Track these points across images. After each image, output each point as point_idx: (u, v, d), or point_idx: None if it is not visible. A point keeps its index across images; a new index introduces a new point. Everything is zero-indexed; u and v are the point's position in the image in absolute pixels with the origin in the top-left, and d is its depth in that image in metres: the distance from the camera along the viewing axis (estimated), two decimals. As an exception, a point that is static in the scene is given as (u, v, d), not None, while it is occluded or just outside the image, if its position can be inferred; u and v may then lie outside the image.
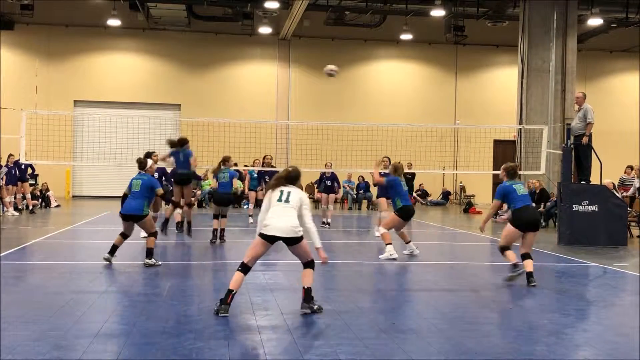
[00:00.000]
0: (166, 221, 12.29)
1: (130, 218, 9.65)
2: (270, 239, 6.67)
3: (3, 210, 18.47)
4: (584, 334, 6.39)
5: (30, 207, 19.90)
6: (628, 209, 15.13)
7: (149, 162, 10.24)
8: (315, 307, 6.69)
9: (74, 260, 10.58)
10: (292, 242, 6.68)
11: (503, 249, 8.91)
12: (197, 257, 11.11)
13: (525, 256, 8.75)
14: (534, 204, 9.50)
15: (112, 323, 6.29)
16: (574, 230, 13.44)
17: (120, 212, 9.81)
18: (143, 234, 14.02)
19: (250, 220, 16.85)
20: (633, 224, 15.83)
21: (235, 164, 15.13)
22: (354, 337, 5.85)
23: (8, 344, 5.38)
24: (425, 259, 11.57)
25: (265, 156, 17.04)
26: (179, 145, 12.80)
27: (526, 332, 6.25)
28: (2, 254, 10.41)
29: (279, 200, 6.76)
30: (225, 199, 12.97)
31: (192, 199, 13.66)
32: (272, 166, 15.04)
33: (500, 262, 11.58)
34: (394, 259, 10.76)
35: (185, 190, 12.84)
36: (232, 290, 6.58)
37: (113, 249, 9.70)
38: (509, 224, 9.01)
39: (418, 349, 5.58)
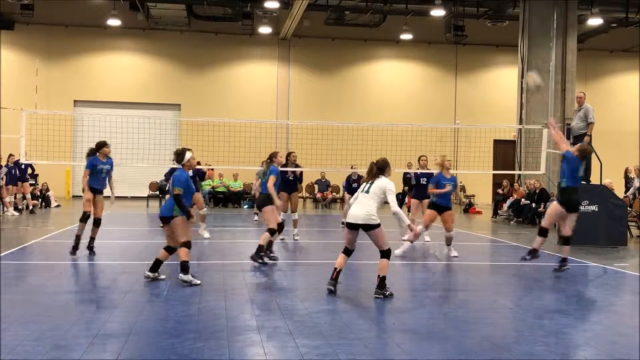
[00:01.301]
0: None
1: (163, 220, 8.37)
2: (350, 226, 7.58)
3: (3, 210, 18.47)
4: (584, 334, 6.39)
5: (30, 207, 19.90)
6: (628, 209, 15.14)
7: (187, 154, 8.63)
8: (387, 292, 7.48)
9: (74, 261, 10.57)
10: (368, 228, 7.46)
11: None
12: (197, 257, 11.11)
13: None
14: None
15: (112, 323, 6.29)
16: (574, 230, 13.41)
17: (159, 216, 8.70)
18: (206, 234, 13.45)
19: (255, 218, 16.74)
20: (633, 224, 15.82)
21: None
22: (354, 337, 5.85)
23: (8, 344, 5.38)
24: (425, 259, 11.58)
25: (289, 153, 15.72)
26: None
27: (526, 332, 6.25)
28: (2, 254, 10.41)
29: (362, 190, 7.65)
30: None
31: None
32: (297, 165, 14.63)
33: (501, 262, 11.60)
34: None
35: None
36: (337, 268, 7.60)
37: (154, 265, 8.43)
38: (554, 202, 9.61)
39: (418, 349, 5.58)
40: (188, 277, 8.09)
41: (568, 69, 21.12)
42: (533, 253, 9.73)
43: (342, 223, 14.25)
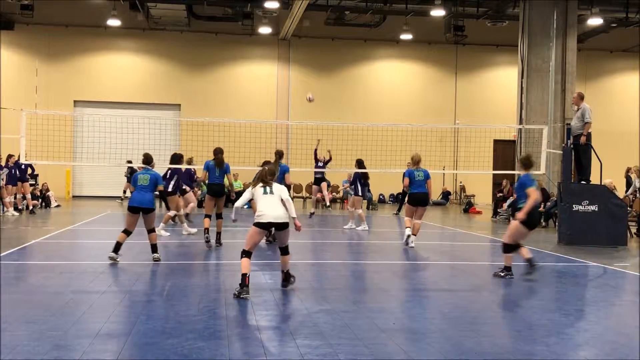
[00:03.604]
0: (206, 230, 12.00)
1: (140, 210, 9.74)
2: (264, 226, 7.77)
3: (3, 210, 18.47)
4: (584, 334, 6.39)
5: (30, 207, 19.89)
6: (628, 209, 15.13)
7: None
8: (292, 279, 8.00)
9: (74, 260, 10.58)
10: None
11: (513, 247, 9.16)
12: (198, 257, 11.11)
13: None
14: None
15: (112, 323, 6.29)
16: (574, 230, 13.43)
17: (129, 205, 9.86)
18: (164, 232, 14.03)
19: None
20: (633, 223, 15.82)
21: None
22: (354, 337, 5.85)
23: (8, 344, 5.38)
24: (425, 259, 11.58)
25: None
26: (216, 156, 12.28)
27: (526, 332, 6.25)
28: (2, 254, 10.41)
29: (265, 192, 7.87)
30: None
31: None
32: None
33: (500, 262, 11.59)
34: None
35: (219, 202, 12.38)
36: (246, 274, 7.45)
37: (117, 247, 9.71)
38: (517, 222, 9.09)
39: (418, 349, 5.58)
40: (158, 255, 9.86)
41: (568, 69, 21.11)
42: (508, 270, 9.34)
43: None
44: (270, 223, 7.68)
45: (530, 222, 8.97)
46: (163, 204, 13.26)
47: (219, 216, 12.23)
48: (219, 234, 12.20)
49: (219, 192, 12.21)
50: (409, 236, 12.45)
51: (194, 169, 16.52)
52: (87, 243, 13.30)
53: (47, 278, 8.70)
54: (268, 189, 7.87)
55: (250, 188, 8.07)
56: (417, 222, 12.66)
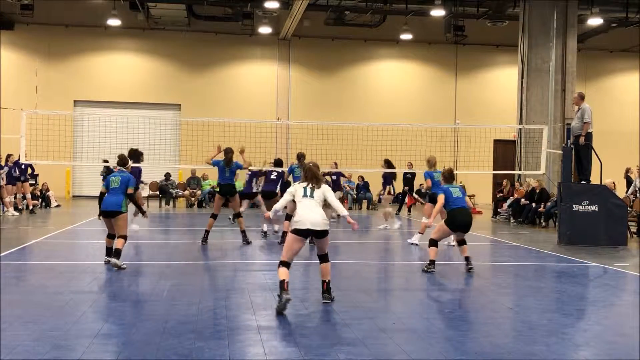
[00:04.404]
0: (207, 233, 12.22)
1: (110, 214, 9.53)
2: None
3: (3, 210, 18.47)
4: (584, 334, 6.39)
5: (30, 207, 19.89)
6: (628, 209, 15.13)
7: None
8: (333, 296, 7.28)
9: (74, 260, 10.58)
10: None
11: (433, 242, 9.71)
12: (197, 257, 11.11)
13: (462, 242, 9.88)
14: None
15: (112, 323, 6.30)
16: (574, 230, 13.43)
17: (100, 210, 9.68)
18: (135, 226, 14.20)
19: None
20: (633, 224, 15.82)
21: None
22: (354, 337, 5.85)
23: (8, 344, 5.38)
24: (425, 259, 11.57)
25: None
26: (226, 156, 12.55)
27: (526, 332, 6.25)
28: (2, 254, 10.41)
29: (304, 195, 7.22)
30: None
31: (241, 209, 13.45)
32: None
33: (500, 262, 11.60)
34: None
35: (232, 203, 12.62)
36: (284, 280, 6.86)
37: (108, 251, 9.60)
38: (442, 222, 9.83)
39: (418, 349, 5.58)
40: (120, 262, 9.22)
41: (568, 69, 21.12)
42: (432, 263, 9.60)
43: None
44: (309, 230, 7.01)
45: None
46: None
47: (238, 215, 12.65)
48: (243, 232, 12.45)
49: (229, 192, 12.46)
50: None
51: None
52: (87, 243, 13.29)
53: (47, 278, 8.70)
54: (308, 190, 7.21)
55: (291, 188, 7.42)
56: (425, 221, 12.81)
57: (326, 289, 7.26)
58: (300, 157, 13.21)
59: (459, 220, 9.66)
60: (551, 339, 5.99)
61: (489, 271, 10.85)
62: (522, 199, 19.32)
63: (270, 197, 13.63)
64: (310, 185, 7.25)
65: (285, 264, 6.98)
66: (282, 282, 6.77)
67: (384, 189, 16.97)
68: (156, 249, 12.18)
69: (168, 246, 12.74)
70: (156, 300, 7.35)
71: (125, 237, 9.51)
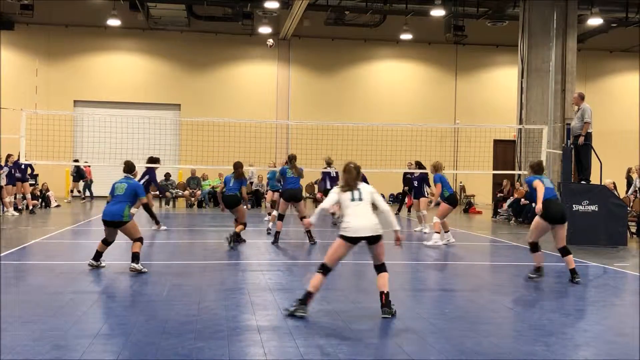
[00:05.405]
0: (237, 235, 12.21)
1: (112, 224, 9.07)
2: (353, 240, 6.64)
3: (3, 210, 18.47)
4: (584, 334, 6.39)
5: (30, 207, 19.89)
6: (628, 209, 15.12)
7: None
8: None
9: (74, 260, 10.57)
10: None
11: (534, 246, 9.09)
12: (198, 257, 11.11)
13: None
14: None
15: (112, 323, 6.30)
16: (574, 230, 13.41)
17: (102, 218, 9.23)
18: (163, 227, 14.59)
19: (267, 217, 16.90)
20: (633, 224, 15.82)
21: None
22: (354, 337, 5.85)
23: (8, 344, 5.38)
24: (425, 259, 11.58)
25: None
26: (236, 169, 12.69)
27: (526, 332, 6.25)
28: (2, 254, 10.41)
29: (352, 199, 6.68)
30: (296, 196, 13.08)
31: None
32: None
33: (500, 262, 11.61)
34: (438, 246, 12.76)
35: (237, 212, 12.53)
36: (312, 292, 6.56)
37: (97, 256, 9.25)
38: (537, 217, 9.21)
39: (418, 349, 5.58)
40: (139, 266, 8.90)
41: (568, 69, 21.11)
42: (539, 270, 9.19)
43: None
44: (360, 237, 6.57)
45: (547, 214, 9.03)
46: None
47: (241, 223, 12.48)
48: (235, 234, 12.29)
49: (234, 203, 12.51)
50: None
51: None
52: (87, 243, 13.28)
53: (47, 278, 8.70)
54: (356, 194, 6.66)
55: (336, 189, 6.87)
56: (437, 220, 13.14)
57: (386, 302, 6.62)
58: (292, 158, 13.32)
59: (553, 210, 9.03)
60: (551, 339, 5.99)
61: (489, 271, 10.86)
62: (522, 199, 19.31)
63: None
64: (356, 188, 6.73)
65: (326, 269, 6.61)
66: (308, 295, 6.52)
67: (411, 192, 17.13)
68: (156, 249, 12.18)
69: (168, 246, 12.74)
70: (156, 300, 7.35)
71: (141, 240, 9.11)
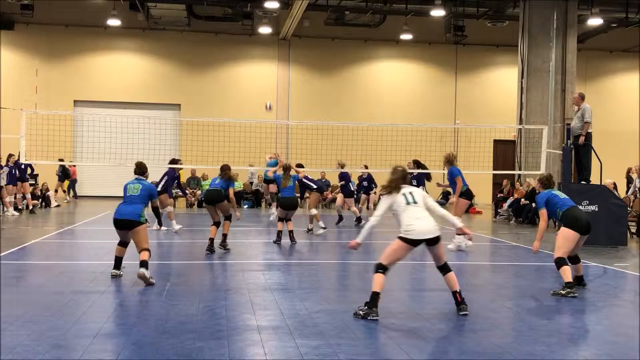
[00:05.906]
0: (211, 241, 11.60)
1: (126, 225, 8.48)
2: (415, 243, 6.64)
3: (3, 210, 18.47)
4: (584, 334, 6.39)
5: (30, 207, 19.89)
6: (628, 209, 15.12)
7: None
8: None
9: (74, 260, 10.58)
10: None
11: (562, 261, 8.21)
12: (197, 257, 11.10)
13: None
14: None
15: (112, 323, 6.30)
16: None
17: (114, 218, 8.65)
18: (177, 226, 14.67)
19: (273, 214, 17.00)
20: (633, 224, 15.82)
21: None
22: (354, 337, 5.84)
23: (8, 344, 5.38)
24: (425, 259, 11.57)
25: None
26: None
27: (526, 332, 6.25)
28: (2, 254, 10.41)
29: (407, 203, 6.69)
30: (294, 204, 13.01)
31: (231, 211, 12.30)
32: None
33: (500, 262, 11.61)
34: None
35: (220, 207, 11.73)
36: (378, 293, 6.50)
37: (117, 263, 8.72)
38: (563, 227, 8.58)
39: (418, 349, 5.58)
40: (148, 273, 8.07)
41: (568, 69, 21.12)
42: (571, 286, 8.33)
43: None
44: (422, 240, 6.59)
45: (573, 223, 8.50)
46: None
47: (226, 218, 11.74)
48: (224, 235, 11.69)
49: (215, 198, 11.61)
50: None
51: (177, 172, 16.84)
52: (87, 243, 13.30)
53: (47, 278, 8.70)
54: (410, 197, 6.69)
55: (386, 196, 6.81)
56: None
57: (461, 300, 6.75)
58: (286, 169, 13.33)
59: (583, 218, 8.72)
60: (551, 339, 5.99)
61: (489, 271, 10.86)
62: (522, 199, 19.32)
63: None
64: (408, 190, 6.76)
65: (384, 269, 6.58)
66: (375, 295, 6.45)
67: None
68: (156, 249, 12.17)
69: (168, 246, 12.74)
70: (156, 300, 7.35)
71: (149, 251, 8.34)
